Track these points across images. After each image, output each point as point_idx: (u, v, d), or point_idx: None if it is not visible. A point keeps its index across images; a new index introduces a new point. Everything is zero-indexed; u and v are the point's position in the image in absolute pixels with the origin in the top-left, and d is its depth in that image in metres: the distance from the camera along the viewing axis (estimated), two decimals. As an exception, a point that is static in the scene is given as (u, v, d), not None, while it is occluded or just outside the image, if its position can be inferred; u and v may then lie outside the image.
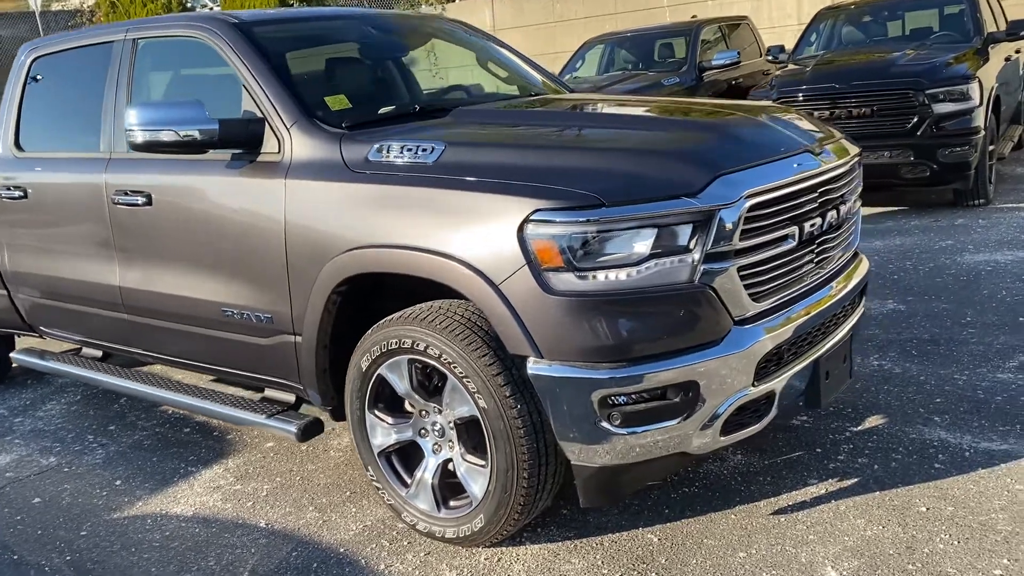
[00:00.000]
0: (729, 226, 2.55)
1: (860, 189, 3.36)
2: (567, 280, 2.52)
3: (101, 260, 3.94)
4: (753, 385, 2.68)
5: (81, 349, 4.58)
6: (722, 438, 2.70)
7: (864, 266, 3.41)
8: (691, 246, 2.53)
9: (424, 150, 2.89)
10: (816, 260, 2.96)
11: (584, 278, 2.51)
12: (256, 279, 3.29)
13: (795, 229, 2.78)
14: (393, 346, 2.89)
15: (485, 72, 4.40)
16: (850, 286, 3.17)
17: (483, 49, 4.52)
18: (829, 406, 3.74)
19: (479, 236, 2.64)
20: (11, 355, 4.72)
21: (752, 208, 2.61)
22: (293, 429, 3.31)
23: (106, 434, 4.37)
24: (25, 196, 4.26)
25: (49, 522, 3.49)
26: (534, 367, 2.59)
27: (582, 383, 2.54)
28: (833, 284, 3.09)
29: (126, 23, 3.95)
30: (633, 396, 2.55)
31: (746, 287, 2.65)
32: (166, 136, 3.16)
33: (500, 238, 2.58)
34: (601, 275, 2.51)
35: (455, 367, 2.73)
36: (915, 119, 7.17)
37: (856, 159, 3.30)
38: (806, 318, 2.85)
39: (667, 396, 2.58)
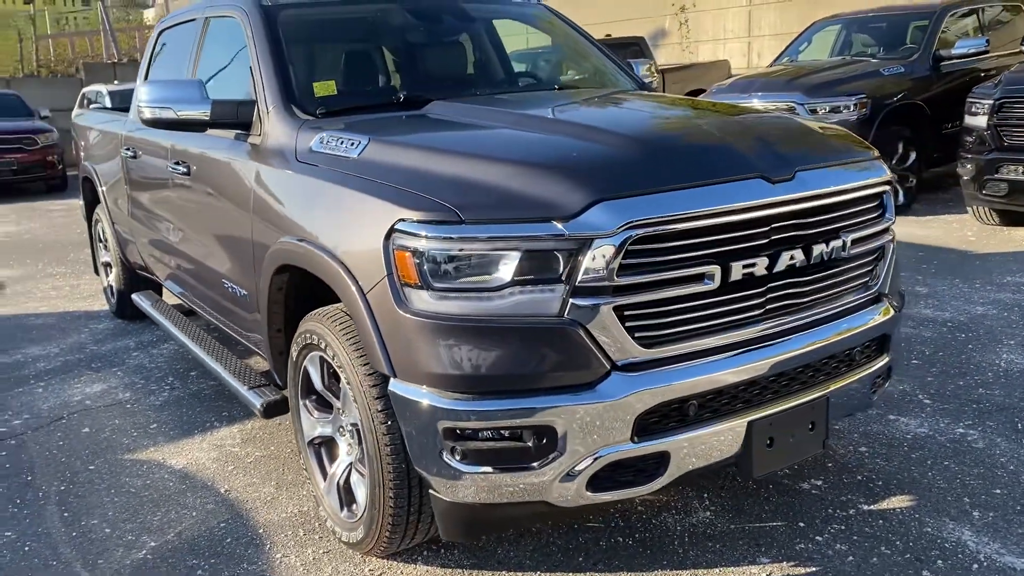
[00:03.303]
0: (604, 259, 2.21)
1: (885, 224, 2.77)
2: (423, 298, 2.33)
3: (169, 222, 4.28)
4: (633, 441, 2.33)
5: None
6: (590, 494, 2.38)
7: (885, 317, 2.81)
8: (560, 276, 2.24)
9: (353, 144, 2.80)
10: (766, 306, 2.49)
11: (440, 299, 2.31)
12: (239, 258, 3.41)
13: (716, 268, 2.35)
14: (308, 341, 2.86)
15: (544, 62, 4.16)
16: (835, 340, 2.64)
17: (558, 37, 4.27)
18: (769, 478, 3.21)
19: (360, 240, 2.52)
20: (132, 295, 5.29)
21: (640, 240, 2.24)
22: (258, 404, 3.39)
23: (184, 378, 4.78)
24: (135, 156, 4.72)
25: (77, 452, 3.89)
26: (392, 385, 2.44)
27: (430, 410, 2.34)
28: (810, 335, 2.59)
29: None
30: (480, 432, 2.32)
31: (632, 329, 2.29)
32: (166, 114, 3.34)
33: (372, 245, 2.44)
34: (459, 297, 2.30)
35: (343, 372, 2.66)
36: None
37: (873, 188, 2.71)
38: (732, 372, 2.42)
39: (521, 438, 2.31)
